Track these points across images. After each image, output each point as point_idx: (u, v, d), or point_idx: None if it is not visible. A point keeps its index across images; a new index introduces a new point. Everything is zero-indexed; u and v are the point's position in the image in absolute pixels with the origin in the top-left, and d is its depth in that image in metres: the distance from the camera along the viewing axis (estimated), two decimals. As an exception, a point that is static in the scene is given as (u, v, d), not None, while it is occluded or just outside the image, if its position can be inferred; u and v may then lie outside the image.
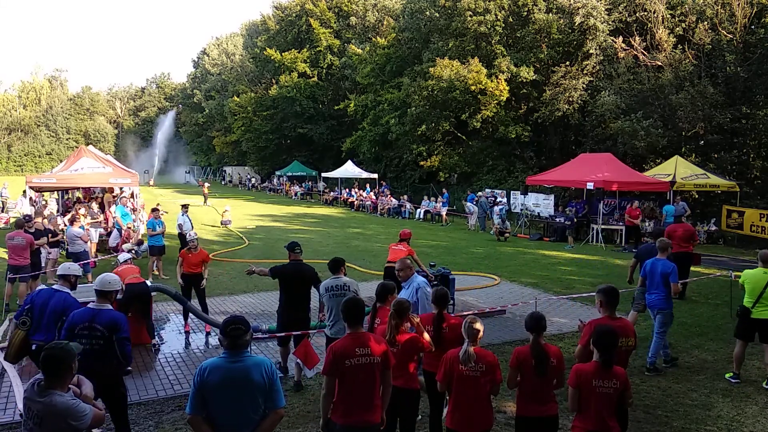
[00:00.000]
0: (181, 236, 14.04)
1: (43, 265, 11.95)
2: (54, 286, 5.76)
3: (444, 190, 28.08)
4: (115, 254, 14.37)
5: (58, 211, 18.04)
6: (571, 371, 4.14)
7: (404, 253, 9.32)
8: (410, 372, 4.68)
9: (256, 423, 3.47)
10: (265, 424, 3.51)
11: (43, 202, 19.13)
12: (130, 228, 14.63)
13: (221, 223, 22.97)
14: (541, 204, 23.11)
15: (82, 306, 5.21)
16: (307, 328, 7.12)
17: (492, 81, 27.68)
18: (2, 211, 23.63)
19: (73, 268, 5.84)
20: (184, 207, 14.80)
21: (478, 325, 4.29)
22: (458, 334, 4.70)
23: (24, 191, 20.14)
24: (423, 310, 5.57)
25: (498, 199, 24.22)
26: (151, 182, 55.17)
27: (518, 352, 4.35)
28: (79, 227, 12.69)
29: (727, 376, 7.19)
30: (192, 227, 13.81)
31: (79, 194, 21.07)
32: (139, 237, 14.13)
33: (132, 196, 17.77)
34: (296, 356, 6.58)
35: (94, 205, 17.12)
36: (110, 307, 4.98)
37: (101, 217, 16.16)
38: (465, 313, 8.34)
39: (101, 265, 14.37)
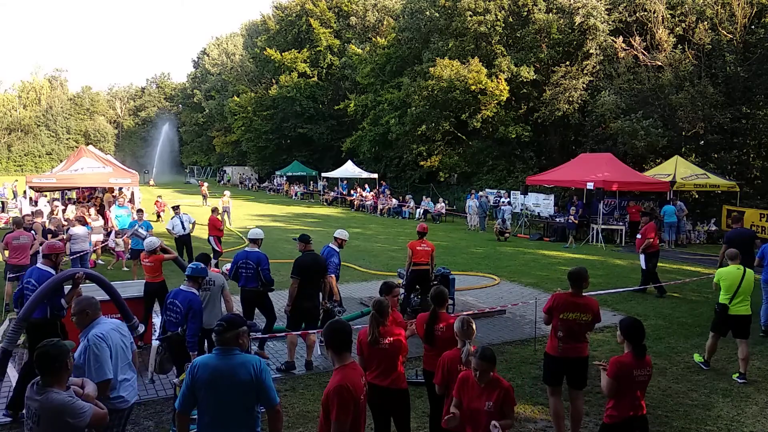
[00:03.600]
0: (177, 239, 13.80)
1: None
2: (247, 249, 7.90)
3: (475, 191, 26.45)
4: (114, 254, 14.40)
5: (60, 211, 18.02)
6: (611, 363, 4.27)
7: (430, 252, 9.58)
8: (398, 372, 4.65)
9: (244, 420, 3.48)
10: (271, 426, 3.53)
11: (45, 203, 19.13)
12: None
13: (222, 210, 23.26)
14: (541, 204, 23.10)
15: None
16: (317, 319, 7.41)
17: (492, 81, 27.68)
18: (2, 211, 23.64)
19: (258, 232, 8.08)
20: (175, 208, 14.56)
21: (474, 325, 4.36)
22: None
23: (24, 191, 20.13)
24: (89, 375, 3.98)
25: (502, 200, 24.23)
26: (151, 182, 55.17)
27: (619, 363, 4.28)
28: (83, 226, 12.68)
29: (696, 359, 7.71)
30: (184, 229, 13.51)
31: (70, 195, 21.05)
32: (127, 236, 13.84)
33: (131, 196, 17.76)
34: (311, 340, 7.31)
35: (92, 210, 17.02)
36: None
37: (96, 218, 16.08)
38: (464, 313, 8.34)
39: (100, 264, 14.40)
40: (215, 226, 13.98)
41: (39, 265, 6.26)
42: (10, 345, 5.53)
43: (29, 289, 5.92)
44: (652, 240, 11.74)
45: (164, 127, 72.76)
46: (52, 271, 6.11)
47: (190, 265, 6.13)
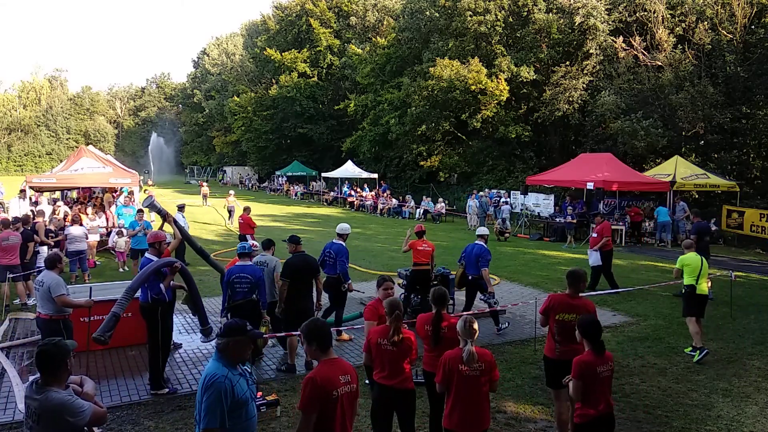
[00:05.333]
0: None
1: (41, 264, 11.95)
2: (334, 240, 8.76)
3: (476, 191, 25.95)
4: (114, 253, 14.37)
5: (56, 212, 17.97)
6: (574, 364, 4.34)
7: (431, 252, 9.55)
8: (405, 373, 4.66)
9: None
10: None
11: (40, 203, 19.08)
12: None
13: (226, 208, 23.34)
14: (541, 204, 23.09)
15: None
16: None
17: (492, 81, 27.66)
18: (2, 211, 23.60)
19: (345, 227, 8.91)
20: (180, 208, 14.58)
21: (476, 325, 4.35)
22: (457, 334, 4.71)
23: (23, 191, 20.07)
24: None
25: (502, 200, 24.23)
26: (150, 182, 55.14)
27: (582, 363, 4.32)
28: (80, 226, 12.68)
29: (695, 355, 7.79)
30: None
31: (72, 195, 21.02)
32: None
33: (131, 194, 17.73)
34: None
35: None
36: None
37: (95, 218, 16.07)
38: (464, 313, 8.35)
39: (101, 264, 14.40)
40: (249, 225, 14.45)
41: (147, 254, 7.09)
42: (120, 310, 6.17)
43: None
44: (606, 239, 11.99)
45: (152, 137, 71.72)
46: (156, 259, 6.87)
47: (240, 244, 7.41)
